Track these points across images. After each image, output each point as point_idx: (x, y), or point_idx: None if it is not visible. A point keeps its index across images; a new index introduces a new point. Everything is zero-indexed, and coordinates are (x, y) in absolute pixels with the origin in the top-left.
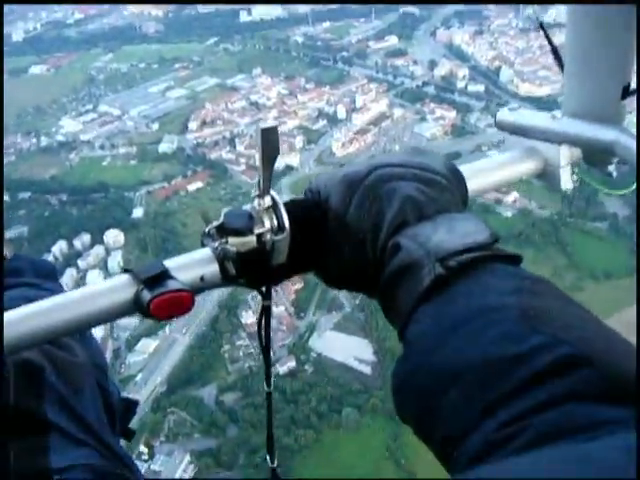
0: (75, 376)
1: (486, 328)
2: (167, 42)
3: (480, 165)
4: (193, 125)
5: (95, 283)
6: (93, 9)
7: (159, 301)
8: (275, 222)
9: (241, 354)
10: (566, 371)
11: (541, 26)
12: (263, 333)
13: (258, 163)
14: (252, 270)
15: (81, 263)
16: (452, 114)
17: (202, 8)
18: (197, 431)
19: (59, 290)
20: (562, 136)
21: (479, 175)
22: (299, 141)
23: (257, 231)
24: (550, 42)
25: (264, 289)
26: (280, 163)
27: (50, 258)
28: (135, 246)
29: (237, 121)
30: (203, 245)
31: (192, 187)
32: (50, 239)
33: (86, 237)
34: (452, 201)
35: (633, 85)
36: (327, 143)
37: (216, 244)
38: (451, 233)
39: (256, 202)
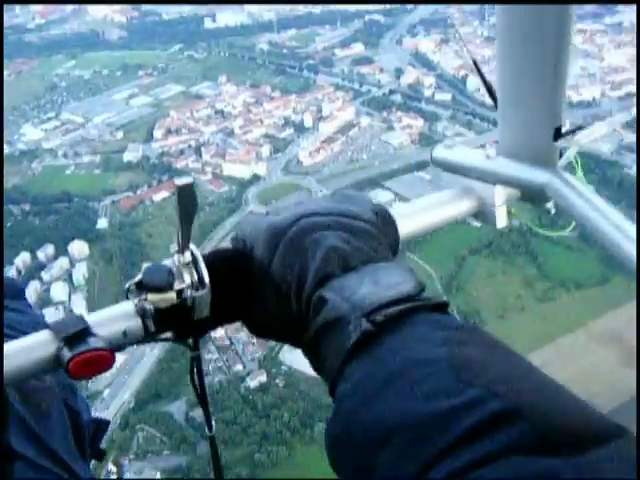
0: (41, 400)
1: (418, 382)
2: (130, 49)
3: (414, 206)
4: (158, 133)
5: (15, 340)
6: (54, 14)
7: (78, 360)
8: (195, 277)
9: (210, 368)
10: (501, 425)
11: (474, 63)
12: (197, 383)
13: (176, 218)
14: (174, 325)
15: (45, 275)
16: (419, 123)
17: (166, 14)
18: (167, 448)
19: (26, 310)
20: (496, 176)
21: (413, 216)
22: (266, 150)
23: (177, 287)
24: (484, 80)
25: (190, 341)
26: (247, 172)
27: (13, 270)
28: (100, 257)
29: (202, 130)
30: (127, 298)
31: (158, 197)
32: (12, 251)
33: (50, 248)
34: (379, 249)
35: (565, 127)
36: (294, 152)
37: (136, 300)
38: (376, 285)
39: (175, 257)
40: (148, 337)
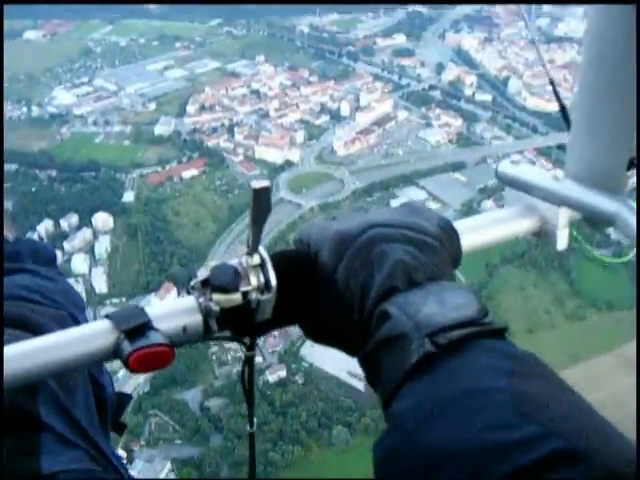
0: (68, 374)
1: (477, 411)
2: (169, 19)
3: (477, 221)
4: (191, 109)
5: (75, 328)
6: None
7: (139, 355)
8: (262, 280)
9: (229, 358)
10: (561, 465)
11: (551, 82)
12: (247, 382)
13: (248, 221)
14: (234, 325)
15: (67, 246)
16: (458, 122)
17: None
18: (179, 437)
19: (57, 278)
20: (563, 199)
21: (476, 231)
22: (300, 136)
23: (243, 289)
24: (559, 100)
25: (247, 340)
26: (280, 157)
27: (35, 237)
28: (124, 232)
29: (237, 109)
30: (189, 293)
31: (187, 174)
32: (35, 217)
33: (74, 218)
34: (442, 265)
35: None
36: (329, 140)
37: (201, 299)
38: (441, 305)
39: (244, 259)
40: (208, 335)
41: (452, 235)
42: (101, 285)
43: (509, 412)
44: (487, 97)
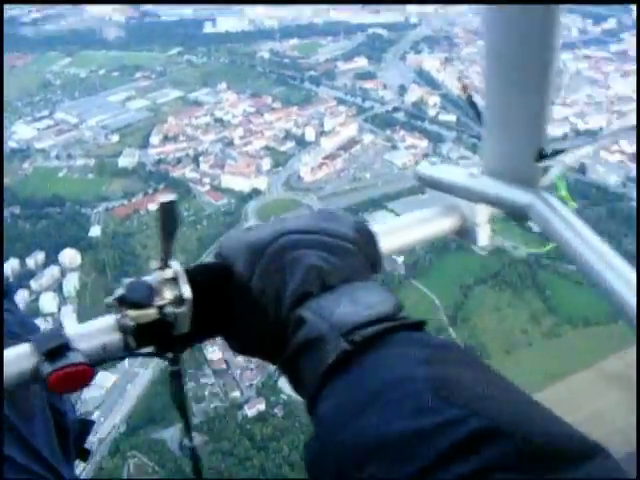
0: (25, 401)
1: (398, 401)
2: (128, 49)
3: (397, 223)
4: (155, 140)
5: None
6: (51, 9)
7: (58, 375)
8: (177, 294)
9: (206, 393)
10: (483, 444)
11: (459, 79)
12: (177, 397)
13: (159, 235)
14: (154, 340)
15: (34, 284)
16: (424, 143)
17: (166, 16)
18: (159, 478)
19: (13, 309)
20: (479, 195)
21: (396, 233)
22: (266, 163)
23: (158, 303)
24: (469, 98)
25: (171, 356)
26: (247, 186)
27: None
28: (92, 268)
29: (201, 138)
30: (108, 312)
31: (153, 206)
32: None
33: (40, 256)
34: (359, 267)
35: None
36: (295, 167)
37: (118, 316)
38: (355, 305)
39: (157, 273)
40: (128, 352)
41: (369, 238)
42: (71, 323)
43: (429, 398)
44: (451, 117)
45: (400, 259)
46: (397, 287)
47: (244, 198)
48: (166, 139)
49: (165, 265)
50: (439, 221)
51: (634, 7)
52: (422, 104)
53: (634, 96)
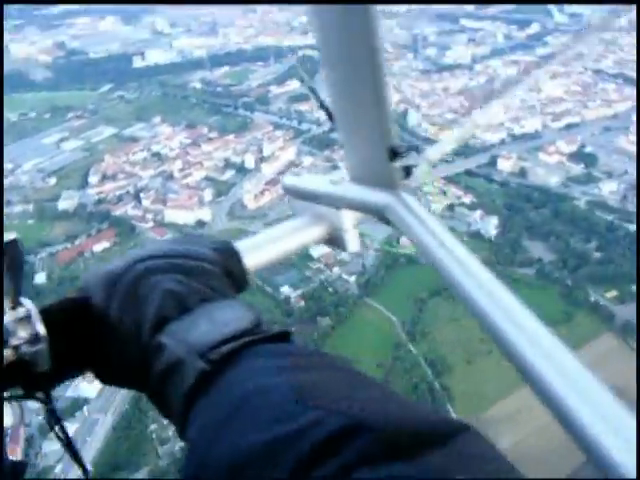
0: None
1: (259, 412)
2: (58, 89)
3: (263, 237)
4: (93, 179)
5: None
6: None
7: None
8: (31, 332)
9: (170, 434)
10: (346, 440)
11: (310, 89)
12: (59, 435)
13: (6, 275)
14: (18, 381)
15: None
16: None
17: (93, 53)
18: None
19: None
20: (341, 201)
21: (262, 247)
22: (208, 194)
23: (13, 343)
24: (322, 105)
25: (42, 396)
26: (190, 218)
27: None
28: None
29: (140, 174)
30: None
31: (98, 247)
32: None
33: None
34: (218, 287)
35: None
36: (238, 195)
37: None
38: (212, 324)
39: (9, 314)
40: None
41: (231, 256)
42: None
43: (289, 404)
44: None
45: (352, 279)
46: (352, 307)
47: (189, 231)
48: (104, 178)
49: (16, 304)
50: (306, 231)
51: (555, 10)
52: None
53: (566, 97)
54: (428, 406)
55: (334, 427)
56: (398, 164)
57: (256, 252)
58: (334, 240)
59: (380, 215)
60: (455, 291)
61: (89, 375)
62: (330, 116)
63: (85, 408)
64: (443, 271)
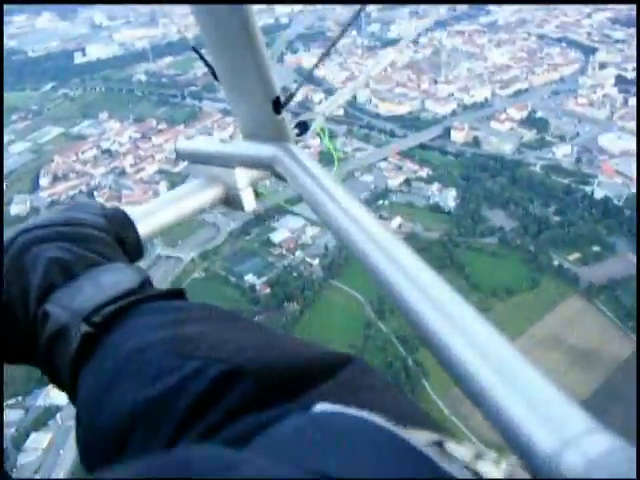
0: None
1: (143, 368)
2: None
3: (156, 203)
4: (44, 181)
5: None
6: None
7: None
8: None
9: None
10: (226, 388)
11: (194, 48)
12: None
13: None
14: None
15: None
16: (316, 142)
17: (32, 52)
18: None
19: None
20: (234, 159)
21: (156, 213)
22: (162, 187)
23: None
24: (207, 64)
25: None
26: None
27: None
28: None
29: (92, 172)
30: None
31: None
32: None
33: None
34: (107, 253)
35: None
36: None
37: None
38: (97, 287)
39: None
40: None
41: (122, 222)
42: None
43: (171, 358)
44: (339, 111)
45: (316, 261)
46: (318, 290)
47: None
48: (56, 179)
49: None
50: (201, 194)
51: None
52: (308, 102)
53: (512, 64)
54: (314, 343)
55: (214, 375)
56: (284, 116)
57: (151, 218)
58: (231, 201)
59: (269, 167)
60: (341, 240)
61: None
62: (214, 74)
63: (58, 416)
64: (328, 219)
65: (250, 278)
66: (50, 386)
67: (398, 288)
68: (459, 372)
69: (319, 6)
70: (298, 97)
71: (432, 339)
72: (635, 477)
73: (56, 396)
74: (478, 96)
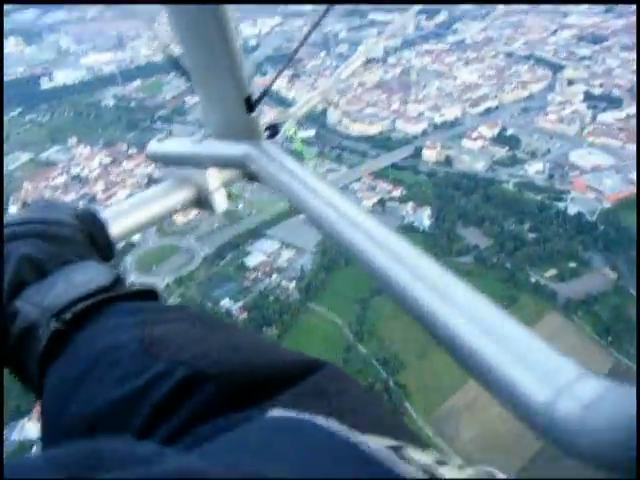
0: None
1: (111, 368)
2: None
3: (127, 205)
4: (13, 208)
5: None
6: None
7: None
8: None
9: None
10: (190, 391)
11: (164, 51)
12: None
13: None
14: None
15: None
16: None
17: None
18: None
19: None
20: (205, 159)
21: (127, 215)
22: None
23: None
24: (177, 66)
25: None
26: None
27: None
28: None
29: (62, 198)
30: None
31: None
32: None
33: None
34: (79, 251)
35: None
36: None
37: None
38: (68, 285)
39: None
40: None
41: (94, 223)
42: None
43: (139, 358)
44: (310, 133)
45: (292, 284)
46: (295, 313)
47: (119, 253)
48: (25, 206)
49: None
50: (172, 195)
51: None
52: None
53: (481, 82)
54: (284, 348)
55: (178, 378)
56: (256, 114)
57: (122, 219)
58: (202, 202)
59: (241, 166)
60: (326, 232)
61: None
62: (187, 76)
63: (34, 450)
64: (310, 212)
65: (226, 303)
66: (26, 419)
67: (388, 272)
68: (451, 340)
69: (286, 27)
70: (267, 120)
71: (422, 312)
72: (633, 414)
73: (31, 429)
74: (449, 115)
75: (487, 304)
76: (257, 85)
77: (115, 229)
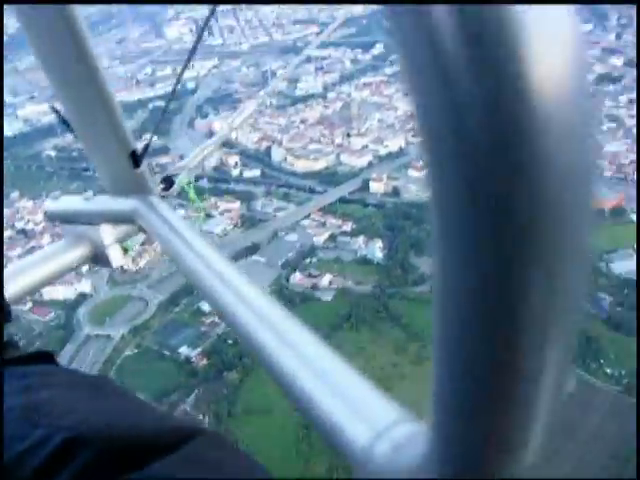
0: None
1: None
2: None
3: (23, 264)
4: None
5: None
6: None
7: None
8: None
9: None
10: (67, 457)
11: (51, 108)
12: None
13: None
14: None
15: None
16: (236, 205)
17: None
18: None
19: None
20: (95, 215)
21: (21, 276)
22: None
23: None
24: (64, 122)
25: None
26: (70, 292)
27: None
28: None
29: (9, 255)
30: None
31: None
32: None
33: None
34: None
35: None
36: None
37: None
38: None
39: None
40: None
41: None
42: None
43: (21, 425)
44: (255, 172)
45: None
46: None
47: (71, 306)
48: None
49: None
50: (67, 253)
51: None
52: (223, 166)
53: None
54: (173, 416)
55: (58, 443)
56: (143, 169)
57: (17, 280)
58: (99, 258)
59: (131, 221)
60: (198, 288)
61: None
62: (73, 131)
63: None
64: (186, 269)
65: (185, 350)
66: None
67: (241, 320)
68: (285, 380)
69: (224, 68)
70: (212, 162)
71: (262, 354)
72: (424, 451)
73: None
74: (392, 146)
75: (325, 350)
76: (200, 128)
77: (11, 289)
